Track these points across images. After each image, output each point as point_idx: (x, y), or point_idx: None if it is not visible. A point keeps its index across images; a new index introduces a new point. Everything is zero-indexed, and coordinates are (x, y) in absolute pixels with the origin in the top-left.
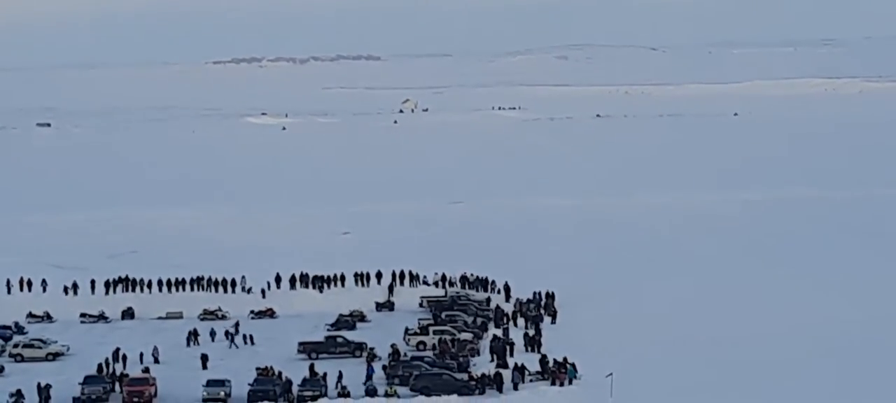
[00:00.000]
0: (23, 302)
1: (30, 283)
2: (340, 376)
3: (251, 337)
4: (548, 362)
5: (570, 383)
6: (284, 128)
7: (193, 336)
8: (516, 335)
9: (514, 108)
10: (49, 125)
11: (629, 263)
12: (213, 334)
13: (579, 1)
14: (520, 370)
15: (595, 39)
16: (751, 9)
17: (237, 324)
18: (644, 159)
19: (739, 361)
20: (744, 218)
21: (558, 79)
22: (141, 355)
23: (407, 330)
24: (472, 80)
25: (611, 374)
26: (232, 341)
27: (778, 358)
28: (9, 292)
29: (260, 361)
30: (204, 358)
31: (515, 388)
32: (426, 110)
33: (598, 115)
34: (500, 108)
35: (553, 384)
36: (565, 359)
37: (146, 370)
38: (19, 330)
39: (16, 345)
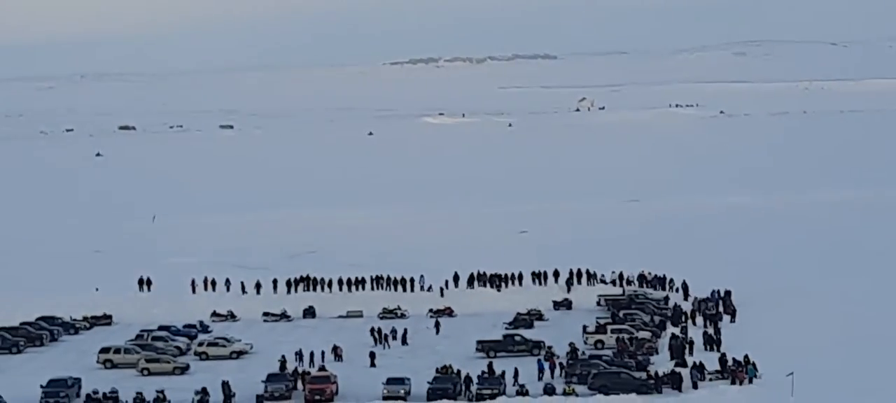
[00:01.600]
0: (207, 301)
1: (214, 283)
2: (517, 373)
3: (404, 336)
4: (727, 360)
5: (751, 382)
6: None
7: (378, 334)
8: (695, 333)
9: (691, 106)
10: (232, 127)
11: (808, 260)
12: (393, 333)
13: None
14: (699, 368)
15: (773, 35)
16: None
17: (438, 322)
18: (823, 155)
19: None
20: None
21: (736, 76)
22: (322, 353)
23: (585, 328)
24: (649, 78)
25: (792, 373)
26: (385, 341)
27: None
28: (193, 291)
29: (439, 360)
30: (372, 356)
31: (694, 387)
32: (602, 108)
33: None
34: (676, 106)
35: (733, 383)
36: (746, 357)
37: (322, 368)
38: (204, 328)
39: (201, 344)
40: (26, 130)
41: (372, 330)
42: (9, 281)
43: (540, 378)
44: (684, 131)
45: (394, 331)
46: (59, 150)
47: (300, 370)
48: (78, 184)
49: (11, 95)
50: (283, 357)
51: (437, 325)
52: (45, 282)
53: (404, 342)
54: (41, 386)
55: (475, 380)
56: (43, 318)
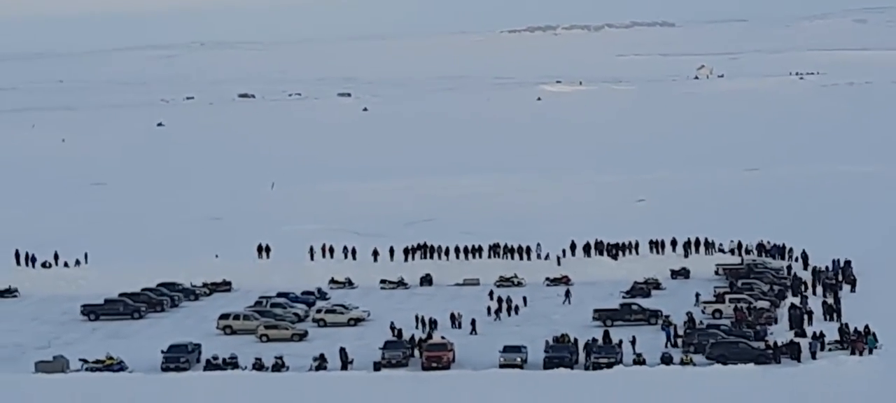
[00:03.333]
0: (325, 268)
1: (332, 250)
2: (634, 341)
3: (516, 308)
4: (847, 331)
5: (870, 352)
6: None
7: (498, 301)
8: (814, 303)
9: (812, 74)
10: (349, 95)
11: None
12: (509, 301)
13: None
14: (818, 339)
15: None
16: None
17: (568, 291)
18: None
19: None
20: None
21: (857, 43)
22: (434, 322)
23: (697, 297)
24: (768, 46)
25: None
26: (497, 314)
27: None
28: (311, 258)
29: (555, 328)
30: (473, 323)
31: (813, 357)
32: (721, 76)
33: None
34: (796, 74)
35: (852, 353)
36: (866, 328)
37: (429, 336)
38: (322, 295)
39: (319, 311)
40: (147, 98)
41: (491, 295)
42: (131, 247)
43: (667, 347)
44: (804, 99)
45: (509, 300)
46: (182, 117)
47: (417, 337)
48: (196, 152)
49: (133, 64)
50: (392, 323)
51: (568, 294)
52: (165, 249)
53: (514, 311)
54: (162, 351)
55: (585, 348)
56: (164, 284)
